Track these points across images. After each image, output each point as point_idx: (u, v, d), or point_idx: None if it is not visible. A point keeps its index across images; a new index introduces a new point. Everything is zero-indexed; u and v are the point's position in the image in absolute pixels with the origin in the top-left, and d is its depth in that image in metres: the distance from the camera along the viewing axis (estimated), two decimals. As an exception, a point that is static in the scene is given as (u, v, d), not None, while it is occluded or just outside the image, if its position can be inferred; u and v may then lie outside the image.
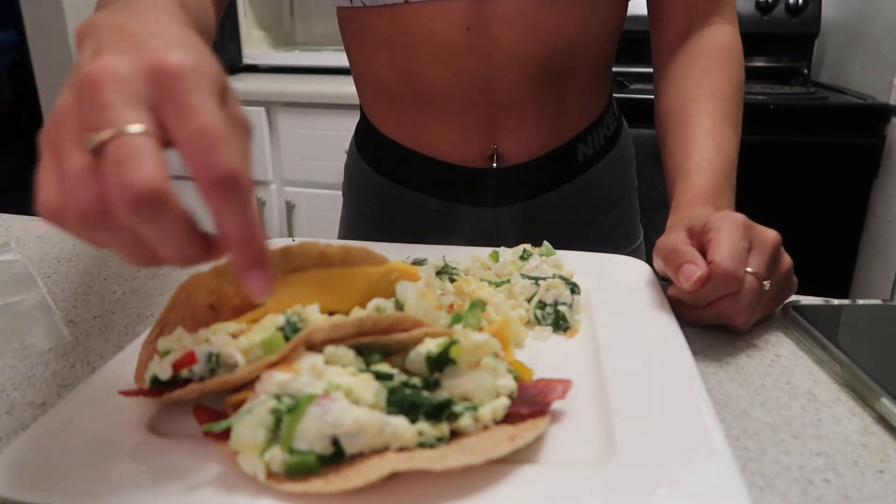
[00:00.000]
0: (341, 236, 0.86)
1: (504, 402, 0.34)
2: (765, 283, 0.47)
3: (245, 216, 0.29)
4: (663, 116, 0.68)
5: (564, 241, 0.60)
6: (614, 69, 0.78)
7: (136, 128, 0.28)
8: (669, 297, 0.50)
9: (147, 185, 0.27)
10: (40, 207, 0.29)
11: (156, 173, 0.27)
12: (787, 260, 0.50)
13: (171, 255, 0.30)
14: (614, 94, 0.81)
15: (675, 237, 0.50)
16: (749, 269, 0.47)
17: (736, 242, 0.46)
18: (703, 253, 0.48)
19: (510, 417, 0.35)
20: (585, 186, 0.75)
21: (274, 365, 0.34)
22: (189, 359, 0.36)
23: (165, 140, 0.29)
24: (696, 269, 0.46)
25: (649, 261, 0.90)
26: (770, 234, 0.49)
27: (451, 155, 0.71)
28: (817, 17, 1.92)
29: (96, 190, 0.28)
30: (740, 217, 0.49)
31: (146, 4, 0.36)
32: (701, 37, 0.68)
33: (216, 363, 0.36)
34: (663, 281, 0.53)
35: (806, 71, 1.98)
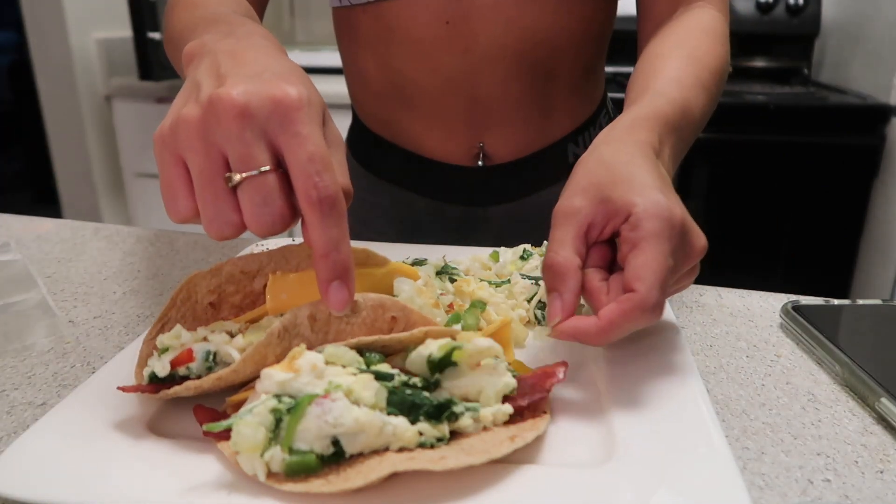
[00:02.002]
0: None
1: (507, 409, 0.34)
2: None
3: (336, 232, 0.34)
4: (632, 76, 0.58)
5: None
6: (609, 69, 0.78)
7: (265, 168, 0.34)
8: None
9: (279, 223, 0.35)
10: (174, 215, 0.36)
11: (283, 209, 0.35)
12: (697, 269, 0.43)
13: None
14: (610, 95, 0.80)
15: (576, 212, 0.41)
16: None
17: (664, 261, 0.37)
18: (614, 253, 0.40)
19: (511, 417, 0.35)
20: None
21: (269, 361, 0.34)
22: (187, 356, 0.36)
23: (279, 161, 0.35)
24: (557, 312, 0.38)
25: None
26: (699, 242, 0.41)
27: (436, 152, 0.72)
28: (817, 17, 1.92)
29: (237, 219, 0.35)
30: (676, 214, 0.39)
31: (248, 30, 0.43)
32: (683, 17, 0.63)
33: (213, 361, 0.36)
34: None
35: (806, 71, 1.98)
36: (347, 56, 0.74)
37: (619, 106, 0.81)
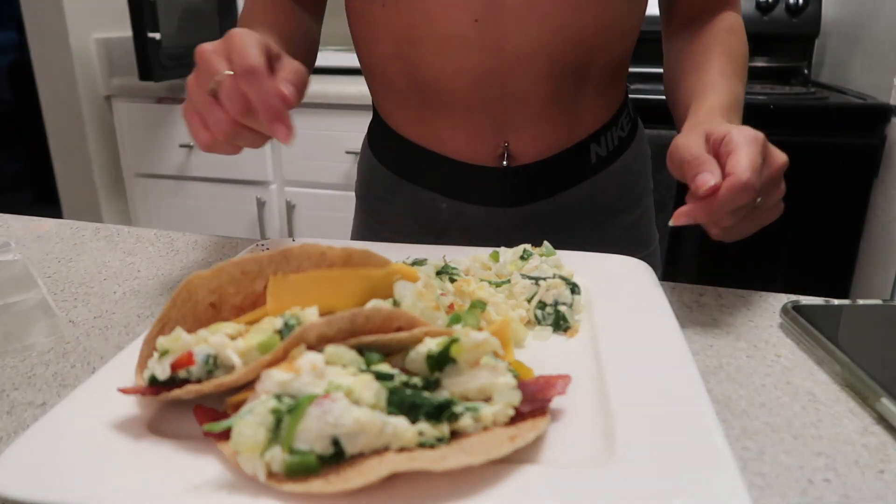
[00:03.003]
0: (354, 237, 0.85)
1: (508, 409, 0.34)
2: (758, 199, 0.48)
3: (262, 89, 0.49)
4: (676, 64, 0.71)
5: (575, 244, 0.59)
6: (630, 69, 0.77)
7: (226, 73, 0.50)
8: (687, 202, 0.50)
9: (241, 101, 0.49)
10: (201, 145, 0.52)
11: (241, 93, 0.50)
12: (783, 187, 0.52)
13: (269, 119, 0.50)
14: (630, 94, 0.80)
15: (693, 139, 0.51)
16: None
17: (755, 157, 0.47)
18: (720, 162, 0.49)
19: (511, 417, 0.35)
20: (598, 188, 0.74)
21: (270, 365, 0.34)
22: (187, 360, 0.36)
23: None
24: (710, 178, 0.47)
25: (665, 265, 0.89)
26: (780, 157, 0.51)
27: (459, 152, 0.70)
28: (817, 17, 1.92)
29: (225, 116, 0.50)
30: (760, 134, 0.49)
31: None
32: (710, 20, 0.71)
33: (214, 365, 0.36)
34: (663, 281, 0.53)
35: (806, 71, 1.98)
36: (366, 52, 0.73)
37: (640, 107, 0.82)
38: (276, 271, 0.42)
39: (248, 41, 0.51)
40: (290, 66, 0.52)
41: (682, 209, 0.48)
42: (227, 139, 0.51)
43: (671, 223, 0.49)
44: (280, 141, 0.50)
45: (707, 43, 0.68)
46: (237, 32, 0.51)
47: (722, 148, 0.49)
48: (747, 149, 0.48)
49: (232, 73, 0.50)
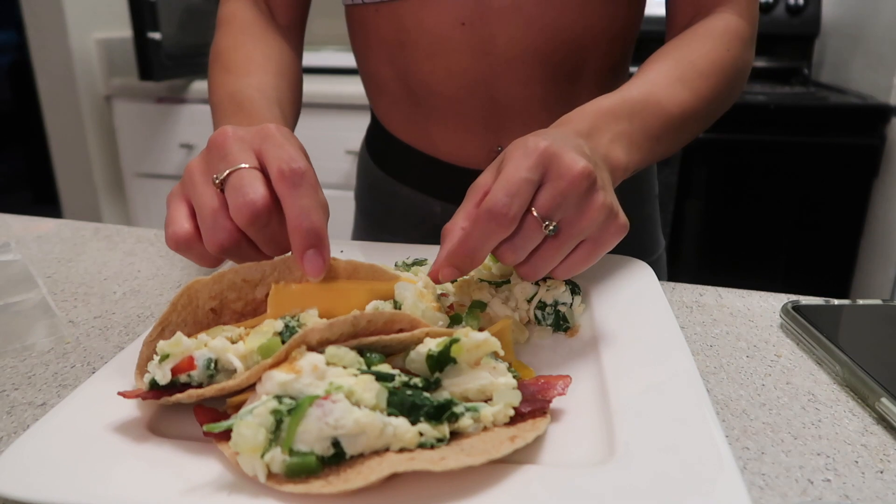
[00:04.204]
0: (353, 237, 0.85)
1: (508, 409, 0.34)
2: (546, 224, 0.40)
3: (307, 202, 0.40)
4: None
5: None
6: (633, 70, 0.75)
7: (246, 165, 0.41)
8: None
9: (260, 206, 0.39)
10: (171, 239, 0.41)
11: (264, 192, 0.40)
12: (597, 199, 0.41)
13: (274, 252, 0.43)
14: None
15: (476, 186, 0.43)
16: (531, 209, 0.40)
17: (515, 174, 0.39)
18: None
19: (511, 418, 0.35)
20: None
21: (271, 367, 0.34)
22: (188, 364, 0.36)
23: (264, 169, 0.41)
24: (434, 267, 0.42)
25: (671, 271, 0.87)
26: (574, 167, 0.40)
27: (452, 156, 0.70)
28: (817, 17, 1.92)
29: (230, 224, 0.40)
30: (542, 143, 0.40)
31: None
32: (696, 23, 0.63)
33: (214, 369, 0.36)
34: (663, 281, 0.53)
35: (806, 71, 1.98)
36: (361, 57, 0.73)
37: None
38: (279, 280, 0.41)
39: (289, 137, 0.42)
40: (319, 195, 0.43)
41: (440, 260, 0.41)
42: (221, 251, 0.41)
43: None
44: (308, 274, 0.40)
45: (669, 47, 0.60)
46: (274, 126, 0.43)
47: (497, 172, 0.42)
48: (511, 164, 0.40)
49: (250, 165, 0.40)
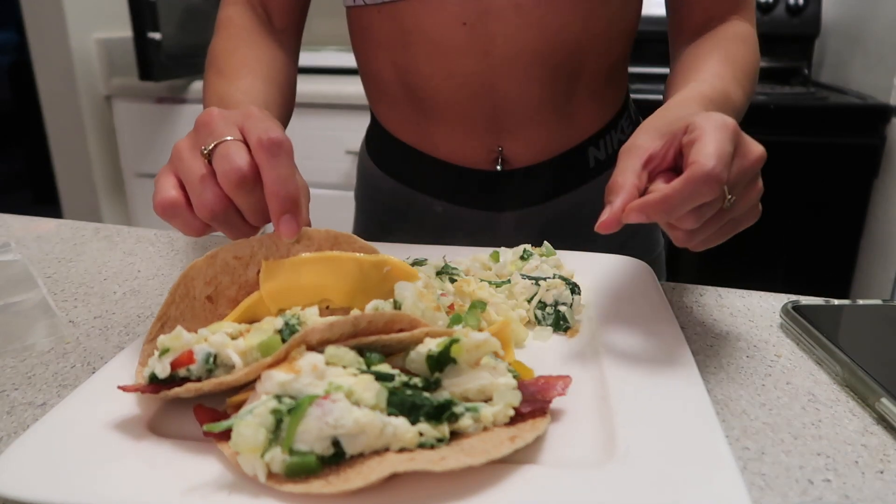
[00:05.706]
0: None
1: (508, 409, 0.34)
2: (728, 197, 0.41)
3: (284, 171, 0.42)
4: (673, 72, 0.63)
5: (575, 250, 0.59)
6: (631, 69, 0.75)
7: (231, 137, 0.43)
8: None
9: (247, 173, 0.42)
10: (159, 205, 0.42)
11: (249, 160, 0.42)
12: (759, 183, 0.44)
13: (258, 220, 0.44)
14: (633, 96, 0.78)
15: (641, 140, 0.44)
16: None
17: (723, 144, 0.40)
18: (683, 153, 0.42)
19: (511, 418, 0.35)
20: (598, 193, 0.72)
21: (271, 366, 0.34)
22: (187, 358, 0.36)
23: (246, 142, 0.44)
24: (605, 213, 0.41)
25: (669, 271, 0.87)
26: (756, 149, 0.43)
27: (454, 156, 0.70)
28: (817, 17, 1.92)
29: (218, 190, 0.42)
30: (730, 120, 0.42)
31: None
32: (718, 28, 0.65)
33: (214, 364, 0.36)
34: (663, 281, 0.53)
35: (806, 71, 1.98)
36: (362, 58, 0.73)
37: (641, 107, 0.80)
38: (268, 255, 0.43)
39: (269, 116, 0.45)
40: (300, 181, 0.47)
41: (634, 203, 0.40)
42: (211, 216, 0.43)
43: (624, 220, 0.41)
44: (283, 237, 0.43)
45: (708, 47, 0.62)
46: (255, 108, 0.46)
47: (685, 137, 0.42)
48: (715, 134, 0.40)
49: (239, 139, 0.43)
